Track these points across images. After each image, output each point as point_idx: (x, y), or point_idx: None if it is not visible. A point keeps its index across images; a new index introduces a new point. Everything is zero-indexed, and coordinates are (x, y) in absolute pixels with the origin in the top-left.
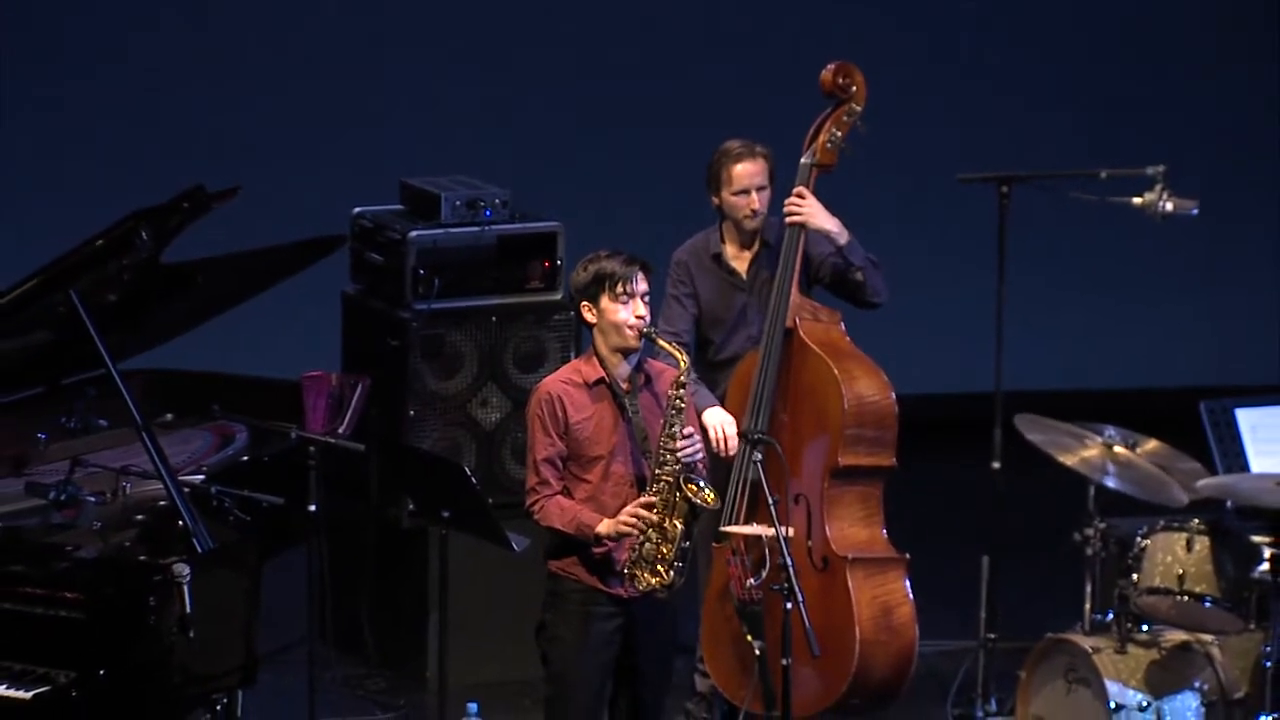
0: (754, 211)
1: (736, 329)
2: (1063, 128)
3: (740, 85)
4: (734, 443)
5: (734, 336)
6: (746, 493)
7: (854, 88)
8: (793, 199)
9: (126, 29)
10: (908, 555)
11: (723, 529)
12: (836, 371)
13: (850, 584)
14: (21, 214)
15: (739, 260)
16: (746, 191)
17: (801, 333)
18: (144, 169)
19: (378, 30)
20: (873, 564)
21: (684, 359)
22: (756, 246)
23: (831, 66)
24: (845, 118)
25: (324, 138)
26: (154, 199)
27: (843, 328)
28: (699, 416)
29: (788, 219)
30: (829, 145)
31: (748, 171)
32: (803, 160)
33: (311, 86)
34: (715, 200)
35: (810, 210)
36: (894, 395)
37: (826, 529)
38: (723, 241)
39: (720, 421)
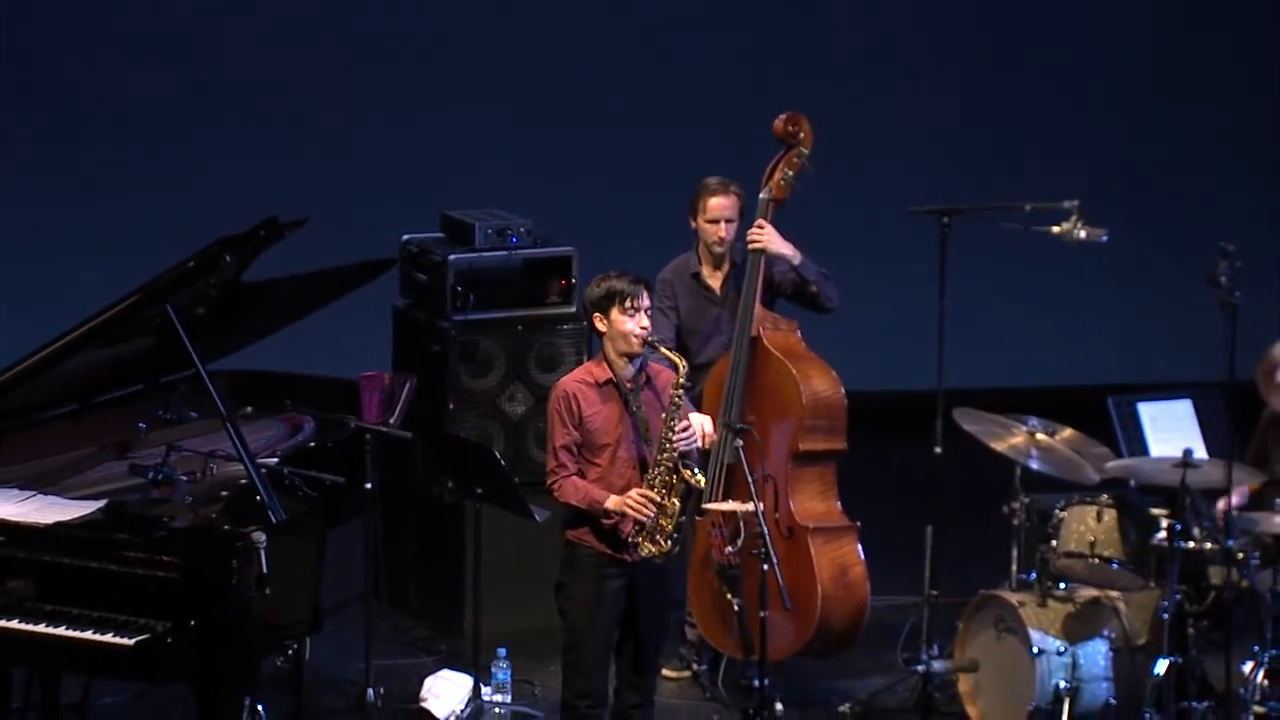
0: (721, 239)
1: (712, 337)
2: (998, 159)
3: (734, 125)
4: (712, 437)
5: (710, 343)
6: (723, 475)
7: (801, 134)
8: (753, 229)
9: (205, 70)
10: (859, 523)
11: (704, 506)
12: (795, 373)
13: (811, 549)
14: (115, 240)
15: (714, 279)
16: (717, 221)
17: (765, 340)
18: (220, 201)
19: (419, 82)
20: (830, 532)
21: (683, 364)
22: (728, 266)
23: (783, 116)
24: (795, 159)
25: (376, 175)
26: (230, 228)
27: (799, 334)
28: None
29: (750, 245)
30: (782, 183)
31: (720, 205)
32: (760, 196)
33: (364, 132)
34: (693, 224)
35: (768, 238)
36: (843, 390)
37: (790, 504)
38: (700, 262)
39: (701, 421)
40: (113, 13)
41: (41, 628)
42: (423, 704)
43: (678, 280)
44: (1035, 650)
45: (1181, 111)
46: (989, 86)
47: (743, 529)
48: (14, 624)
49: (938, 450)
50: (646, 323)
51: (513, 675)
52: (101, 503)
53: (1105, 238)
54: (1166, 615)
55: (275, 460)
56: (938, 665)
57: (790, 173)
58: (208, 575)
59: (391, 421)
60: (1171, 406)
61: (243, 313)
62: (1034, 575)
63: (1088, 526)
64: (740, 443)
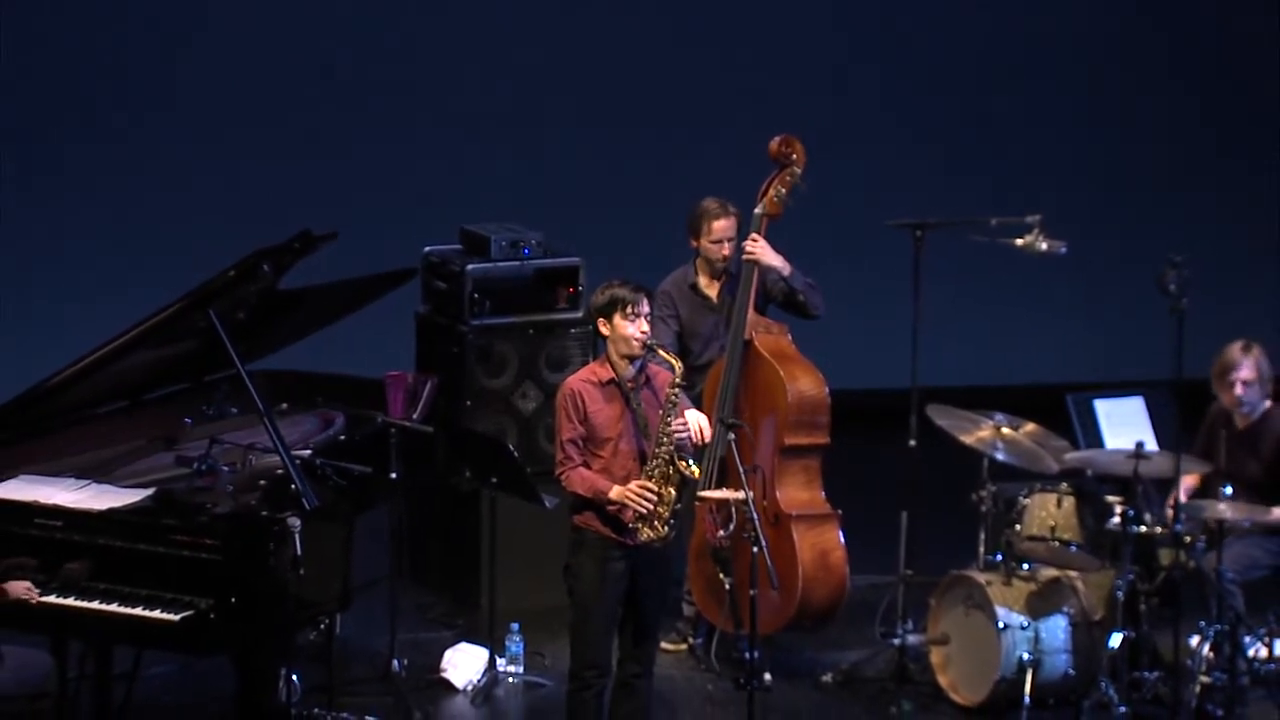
0: (724, 257)
1: (710, 341)
2: (968, 176)
3: (730, 144)
4: (708, 433)
5: (709, 347)
6: (718, 466)
7: (794, 155)
8: (748, 242)
9: (244, 90)
10: (840, 511)
11: (699, 494)
12: (782, 373)
13: (794, 535)
14: (157, 251)
15: (710, 289)
16: (720, 242)
17: (756, 344)
18: (257, 216)
19: (439, 106)
20: (813, 519)
21: (679, 366)
22: (724, 277)
23: (778, 138)
24: (788, 178)
25: (400, 192)
26: (266, 241)
27: (789, 337)
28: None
29: (744, 258)
30: (775, 199)
31: (722, 227)
32: (755, 211)
33: (390, 152)
34: (694, 243)
35: (761, 251)
36: (828, 390)
37: (777, 493)
38: (697, 274)
39: (698, 419)
40: (157, 36)
41: (96, 604)
42: (443, 674)
43: (676, 291)
44: (1001, 625)
45: (1134, 131)
46: (959, 109)
47: (734, 515)
48: (71, 601)
49: (912, 443)
50: (646, 327)
51: (525, 648)
52: (150, 491)
53: (1064, 249)
54: (1121, 593)
55: (309, 452)
56: (912, 639)
57: (783, 190)
58: (247, 557)
59: (415, 417)
60: (1125, 403)
61: (279, 317)
62: (1000, 557)
63: (1049, 512)
64: (733, 436)
